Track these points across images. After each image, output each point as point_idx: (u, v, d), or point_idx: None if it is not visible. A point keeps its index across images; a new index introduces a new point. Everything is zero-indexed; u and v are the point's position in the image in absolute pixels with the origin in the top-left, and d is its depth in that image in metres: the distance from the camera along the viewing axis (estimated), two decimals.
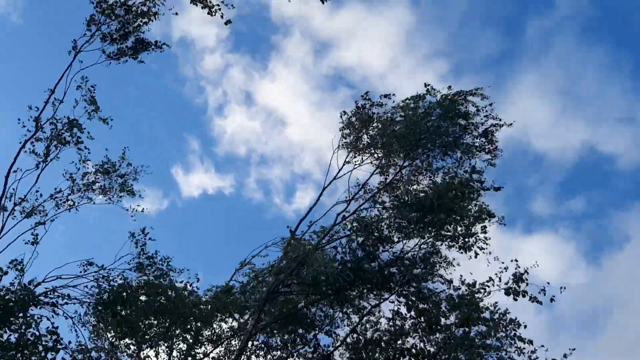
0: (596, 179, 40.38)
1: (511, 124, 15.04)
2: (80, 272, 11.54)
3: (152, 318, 12.84)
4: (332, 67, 40.33)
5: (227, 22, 10.28)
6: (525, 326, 12.06)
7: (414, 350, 12.29)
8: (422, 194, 14.37)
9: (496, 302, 12.43)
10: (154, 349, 13.42)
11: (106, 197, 13.95)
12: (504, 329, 12.09)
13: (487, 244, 13.66)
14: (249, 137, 41.09)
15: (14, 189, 11.78)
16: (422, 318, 12.63)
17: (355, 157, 16.03)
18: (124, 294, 10.88)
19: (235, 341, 14.35)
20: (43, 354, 9.10)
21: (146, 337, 13.14)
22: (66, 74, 11.79)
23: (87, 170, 13.60)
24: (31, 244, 11.71)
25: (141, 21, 12.51)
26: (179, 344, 13.61)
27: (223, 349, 14.27)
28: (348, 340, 13.36)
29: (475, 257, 13.53)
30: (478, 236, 13.67)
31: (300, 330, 13.82)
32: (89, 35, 12.14)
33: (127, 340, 13.17)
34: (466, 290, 12.59)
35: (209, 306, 13.58)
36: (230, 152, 39.78)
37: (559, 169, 39.24)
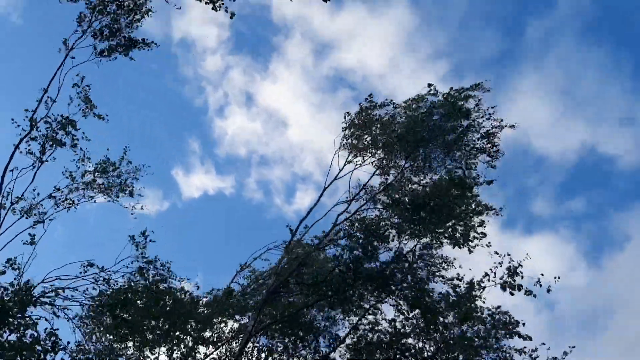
0: (596, 179, 40.36)
1: (513, 126, 14.99)
2: (80, 272, 11.52)
3: (152, 320, 12.76)
4: (333, 68, 40.33)
5: (232, 15, 10.22)
6: (524, 324, 12.05)
7: (413, 350, 12.25)
8: (421, 194, 14.36)
9: (499, 306, 12.43)
10: (154, 351, 13.33)
11: (106, 195, 13.87)
12: (503, 328, 12.06)
13: (483, 236, 13.72)
14: (250, 138, 41.11)
15: (10, 188, 11.74)
16: (422, 318, 12.60)
17: (356, 157, 15.99)
18: (124, 297, 10.81)
19: (235, 343, 14.28)
20: (42, 355, 9.02)
21: (146, 339, 13.05)
22: (59, 72, 11.70)
23: (87, 168, 13.56)
24: (29, 244, 11.65)
25: (134, 17, 12.39)
26: (179, 346, 13.53)
27: (224, 350, 14.20)
28: (348, 340, 13.32)
29: (473, 249, 13.60)
30: (475, 230, 13.68)
31: (300, 333, 13.77)
32: (80, 32, 12.05)
33: (127, 342, 13.09)
34: (464, 288, 12.58)
35: (210, 309, 13.50)
36: (230, 153, 39.78)
37: (559, 170, 39.23)
